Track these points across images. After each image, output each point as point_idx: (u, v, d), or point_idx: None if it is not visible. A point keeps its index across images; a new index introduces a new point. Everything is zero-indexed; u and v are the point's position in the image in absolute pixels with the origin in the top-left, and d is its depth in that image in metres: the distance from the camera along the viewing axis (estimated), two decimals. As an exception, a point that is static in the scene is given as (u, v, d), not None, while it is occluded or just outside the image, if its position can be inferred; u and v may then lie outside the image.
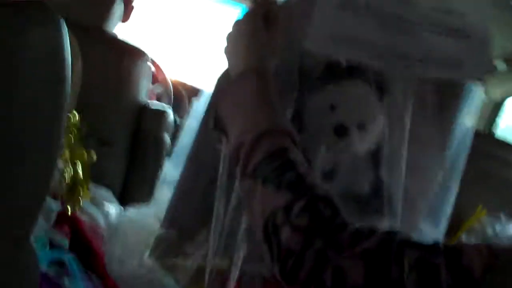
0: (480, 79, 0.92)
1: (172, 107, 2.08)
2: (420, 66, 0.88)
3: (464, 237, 1.93)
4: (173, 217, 0.97)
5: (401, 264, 0.61)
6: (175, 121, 1.99)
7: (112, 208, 1.49)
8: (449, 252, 0.62)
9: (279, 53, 0.88)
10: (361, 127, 0.91)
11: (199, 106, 1.00)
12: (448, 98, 0.96)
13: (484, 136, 2.44)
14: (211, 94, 0.97)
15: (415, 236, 0.92)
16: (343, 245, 0.65)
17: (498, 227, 1.90)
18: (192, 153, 0.98)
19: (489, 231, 1.93)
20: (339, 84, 0.92)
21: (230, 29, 0.89)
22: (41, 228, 0.99)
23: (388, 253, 0.62)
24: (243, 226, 0.87)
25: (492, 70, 0.93)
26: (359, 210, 0.90)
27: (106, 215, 1.45)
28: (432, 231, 1.00)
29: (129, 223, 1.05)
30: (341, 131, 0.90)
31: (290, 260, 0.66)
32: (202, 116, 0.98)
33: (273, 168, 0.72)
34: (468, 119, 0.99)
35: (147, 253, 0.96)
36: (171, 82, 2.34)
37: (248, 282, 0.89)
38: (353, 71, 0.91)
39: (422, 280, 0.60)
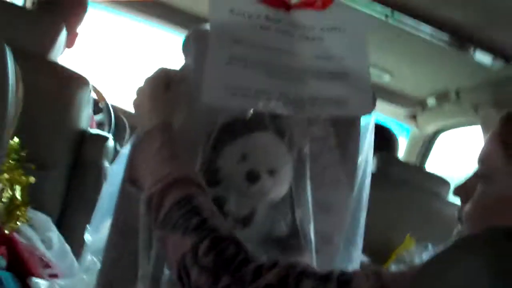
0: (367, 113, 1.03)
1: (113, 135, 2.12)
2: (310, 108, 0.98)
3: (392, 266, 2.05)
4: (104, 280, 1.00)
5: None
6: (115, 148, 2.03)
7: (53, 233, 1.53)
8: (341, 280, 0.69)
9: (182, 113, 0.97)
10: (272, 173, 0.98)
11: (122, 158, 1.03)
12: (345, 139, 1.06)
13: (416, 169, 2.59)
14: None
15: (335, 266, 1.02)
16: (246, 281, 0.71)
17: (425, 256, 2.01)
18: (115, 219, 1.01)
19: (417, 260, 2.04)
20: (249, 136, 0.99)
21: (140, 84, 0.97)
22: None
23: (286, 287, 0.69)
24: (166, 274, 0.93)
25: (374, 104, 1.04)
26: (280, 251, 0.99)
27: (47, 240, 1.49)
28: (348, 259, 1.08)
29: None
30: (252, 177, 0.96)
31: None
32: (121, 179, 1.01)
33: (180, 215, 0.79)
34: (366, 151, 1.09)
35: None
36: (113, 109, 2.38)
37: None
38: (257, 124, 1.00)
39: None
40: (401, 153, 3.00)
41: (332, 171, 1.05)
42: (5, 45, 0.68)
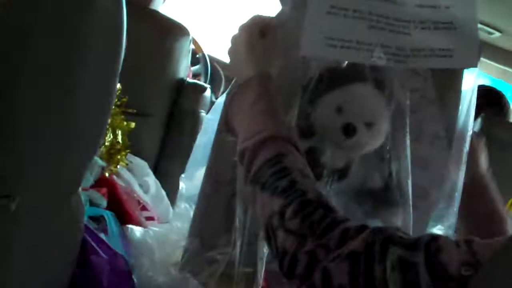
0: (472, 66, 0.99)
1: (210, 85, 2.17)
2: (413, 59, 0.95)
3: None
4: (197, 228, 1.03)
5: (384, 264, 0.65)
6: (211, 99, 2.08)
7: (150, 178, 1.61)
8: (429, 248, 0.66)
9: (278, 63, 0.95)
10: (369, 125, 0.96)
11: (217, 108, 1.04)
12: (446, 92, 1.03)
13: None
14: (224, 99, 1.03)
15: (430, 223, 1.01)
16: (331, 246, 0.70)
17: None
18: (210, 169, 1.03)
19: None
20: (344, 88, 0.97)
21: (235, 31, 0.96)
22: (86, 181, 1.10)
23: (372, 254, 0.67)
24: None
25: (479, 57, 0.99)
26: (374, 204, 0.99)
27: (144, 184, 1.56)
28: (445, 217, 1.07)
29: (153, 239, 1.11)
30: (349, 130, 0.94)
31: (285, 260, 0.72)
32: (217, 126, 1.03)
33: (270, 174, 0.79)
34: (467, 106, 1.06)
35: (174, 266, 1.03)
36: (209, 59, 2.42)
37: (274, 278, 0.96)
38: (355, 75, 0.98)
39: (403, 280, 0.64)
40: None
41: (430, 125, 1.03)
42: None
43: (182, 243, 1.04)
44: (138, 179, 1.53)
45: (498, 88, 2.48)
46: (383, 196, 0.99)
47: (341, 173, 0.97)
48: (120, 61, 0.73)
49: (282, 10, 1.02)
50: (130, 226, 1.15)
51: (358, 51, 0.93)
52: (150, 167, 1.69)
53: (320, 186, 0.93)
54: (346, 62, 1.00)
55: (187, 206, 1.09)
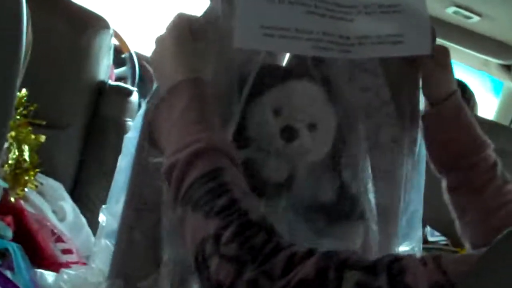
0: (426, 52, 1.04)
1: (138, 88, 2.17)
2: (359, 48, 0.99)
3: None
4: (118, 267, 1.03)
5: None
6: (139, 104, 2.07)
7: (66, 203, 1.60)
8: (392, 270, 0.68)
9: (211, 65, 0.97)
10: (312, 127, 0.98)
11: (137, 124, 1.05)
12: (401, 90, 1.08)
13: (508, 133, 2.56)
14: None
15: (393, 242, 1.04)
16: (276, 274, 0.70)
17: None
18: (130, 194, 1.03)
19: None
20: (281, 86, 1.00)
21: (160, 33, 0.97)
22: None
23: (325, 281, 0.68)
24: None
25: (433, 43, 1.04)
26: (327, 219, 1.00)
27: (59, 210, 1.56)
28: (408, 235, 1.12)
29: (68, 284, 1.12)
30: (289, 134, 0.96)
31: None
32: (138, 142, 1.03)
33: (204, 191, 0.79)
34: None
35: None
36: (137, 58, 2.42)
37: None
38: (293, 71, 1.02)
39: None
40: (491, 114, 2.99)
41: (388, 129, 1.07)
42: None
43: (102, 286, 1.04)
44: (52, 204, 1.53)
45: (467, 80, 2.58)
46: (337, 210, 1.01)
47: (283, 187, 0.98)
48: (20, 59, 0.73)
49: (211, 5, 1.04)
50: (40, 270, 1.15)
51: (297, 41, 0.96)
52: (66, 190, 1.69)
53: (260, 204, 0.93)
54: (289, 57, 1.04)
55: (108, 242, 1.09)
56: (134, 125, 1.06)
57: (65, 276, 1.13)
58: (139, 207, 1.03)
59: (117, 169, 1.08)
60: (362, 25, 1.00)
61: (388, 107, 1.07)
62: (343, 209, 1.01)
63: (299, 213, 0.99)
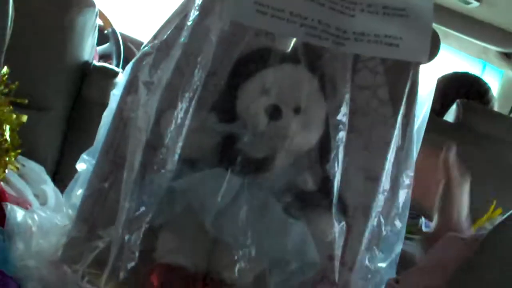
0: (421, 61, 1.06)
1: (122, 69, 2.18)
2: (354, 43, 1.03)
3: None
4: (86, 214, 1.09)
5: None
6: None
7: (48, 187, 1.62)
8: None
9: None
10: (297, 111, 1.04)
11: (116, 91, 1.12)
12: (400, 92, 1.10)
13: (505, 121, 2.59)
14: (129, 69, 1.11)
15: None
16: None
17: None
18: (106, 146, 1.10)
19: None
20: (272, 68, 1.04)
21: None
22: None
23: None
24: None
25: (432, 54, 1.06)
26: (302, 205, 1.05)
27: (41, 194, 1.57)
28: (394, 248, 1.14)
29: (35, 223, 1.15)
30: (273, 112, 1.02)
31: None
32: (122, 91, 1.11)
33: None
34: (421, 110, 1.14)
35: (54, 255, 1.08)
36: (122, 38, 2.43)
37: (167, 274, 1.02)
38: (293, 56, 1.05)
39: None
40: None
41: (382, 131, 1.10)
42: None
43: (66, 229, 1.10)
44: (33, 187, 1.54)
45: (476, 72, 2.60)
46: (314, 199, 1.05)
47: (260, 164, 1.03)
48: (4, 36, 0.75)
49: None
50: (11, 205, 1.18)
51: (291, 24, 1.00)
52: (49, 173, 1.70)
53: (233, 176, 1.00)
54: (289, 43, 1.06)
55: (81, 190, 1.13)
56: (118, 83, 1.12)
57: (35, 216, 1.17)
58: (115, 159, 1.09)
59: (101, 124, 1.13)
60: (362, 22, 1.04)
61: (385, 108, 1.10)
62: (320, 200, 1.05)
63: (273, 191, 1.03)
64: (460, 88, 2.46)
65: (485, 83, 2.56)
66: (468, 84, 2.49)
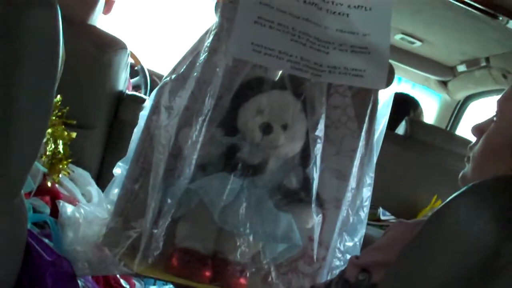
0: (381, 87, 1.07)
1: (148, 96, 2.18)
2: (328, 75, 1.03)
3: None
4: (121, 209, 1.09)
5: None
6: (151, 109, 2.09)
7: (92, 188, 1.61)
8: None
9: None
10: (285, 127, 1.05)
11: (144, 112, 1.13)
12: (363, 110, 1.11)
13: (444, 133, 2.60)
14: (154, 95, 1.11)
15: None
16: None
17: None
18: (137, 155, 1.10)
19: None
20: (268, 93, 1.06)
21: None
22: (28, 186, 1.11)
23: None
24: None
25: (388, 82, 1.08)
26: (287, 200, 1.06)
27: (87, 193, 1.57)
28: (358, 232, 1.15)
29: (82, 216, 1.15)
30: (265, 128, 1.03)
31: None
32: (149, 110, 1.12)
33: None
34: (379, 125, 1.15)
35: (96, 241, 1.08)
36: (148, 72, 2.44)
37: (184, 259, 1.02)
38: (281, 84, 1.06)
39: None
40: (432, 119, 3.03)
41: (350, 141, 1.11)
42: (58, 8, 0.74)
43: (106, 221, 1.10)
44: (81, 188, 1.53)
45: (416, 94, 2.62)
46: (297, 195, 1.07)
47: (256, 169, 1.04)
48: (56, 71, 0.75)
49: (218, 21, 1.07)
50: (63, 202, 1.18)
51: (279, 60, 1.01)
52: (93, 177, 1.69)
53: (235, 178, 1.01)
54: (278, 73, 1.07)
55: (117, 190, 1.13)
56: (146, 105, 1.13)
57: (81, 210, 1.16)
58: (143, 166, 1.09)
59: (132, 138, 1.15)
60: (334, 58, 1.04)
61: (352, 123, 1.11)
62: (302, 195, 1.06)
63: (266, 190, 1.04)
64: (402, 105, 2.51)
65: (419, 106, 2.59)
66: (407, 102, 2.53)
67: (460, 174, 0.98)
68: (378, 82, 1.06)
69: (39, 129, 0.77)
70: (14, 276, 0.87)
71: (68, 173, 1.41)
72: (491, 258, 0.59)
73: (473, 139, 0.98)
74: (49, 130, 1.28)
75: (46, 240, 1.06)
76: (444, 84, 2.79)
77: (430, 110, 3.19)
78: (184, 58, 1.11)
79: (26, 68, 0.69)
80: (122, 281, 1.30)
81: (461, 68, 2.53)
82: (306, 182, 1.06)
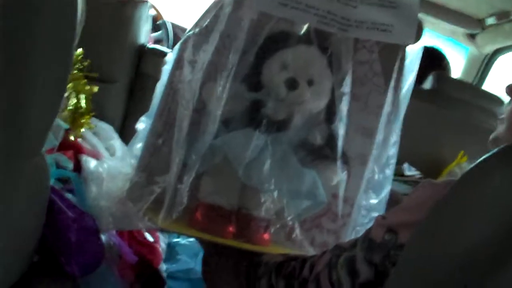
0: (409, 43, 1.04)
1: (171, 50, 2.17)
2: (355, 29, 1.01)
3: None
4: (145, 164, 1.09)
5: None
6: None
7: (116, 141, 1.62)
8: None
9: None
10: (310, 83, 1.03)
11: (167, 66, 1.11)
12: (390, 66, 1.08)
13: (471, 88, 2.55)
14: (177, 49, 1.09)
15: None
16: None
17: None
18: (161, 110, 1.09)
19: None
20: (291, 48, 1.03)
21: None
22: (50, 143, 1.11)
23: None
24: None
25: (417, 37, 1.06)
26: (312, 156, 1.05)
27: (110, 147, 1.57)
28: (383, 189, 1.14)
29: (105, 170, 1.14)
30: (291, 84, 1.01)
31: None
32: (172, 65, 1.09)
33: None
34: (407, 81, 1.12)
35: (119, 195, 1.08)
36: (172, 26, 2.43)
37: (209, 214, 1.02)
38: (307, 39, 1.03)
39: (348, 267, 0.78)
40: (458, 73, 2.97)
41: (376, 97, 1.09)
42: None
43: (130, 176, 1.10)
44: (104, 142, 1.53)
45: (442, 47, 2.56)
46: (321, 152, 1.05)
47: (282, 125, 1.02)
48: (76, 26, 0.73)
49: None
50: (85, 156, 1.18)
51: (305, 13, 0.99)
52: (116, 131, 1.69)
53: (259, 134, 0.99)
54: (304, 27, 1.04)
55: (141, 144, 1.13)
56: (168, 60, 1.11)
57: (105, 165, 1.16)
58: (167, 120, 1.08)
59: (155, 93, 1.13)
60: (362, 12, 1.02)
61: (379, 79, 1.08)
62: (327, 152, 1.05)
63: (291, 146, 1.02)
64: (429, 59, 2.44)
65: (446, 58, 2.53)
66: (434, 56, 2.47)
67: (492, 135, 0.96)
68: (406, 38, 1.04)
69: (58, 86, 0.76)
70: (37, 234, 0.87)
71: (91, 127, 1.40)
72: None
73: (503, 95, 0.95)
74: (71, 84, 1.26)
75: (70, 195, 1.07)
76: (472, 37, 2.72)
77: (456, 64, 3.13)
78: (207, 11, 1.08)
79: (43, 20, 0.67)
80: (147, 234, 1.31)
81: (490, 20, 2.46)
82: (331, 139, 1.04)
